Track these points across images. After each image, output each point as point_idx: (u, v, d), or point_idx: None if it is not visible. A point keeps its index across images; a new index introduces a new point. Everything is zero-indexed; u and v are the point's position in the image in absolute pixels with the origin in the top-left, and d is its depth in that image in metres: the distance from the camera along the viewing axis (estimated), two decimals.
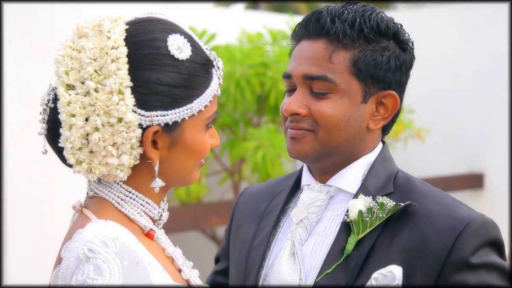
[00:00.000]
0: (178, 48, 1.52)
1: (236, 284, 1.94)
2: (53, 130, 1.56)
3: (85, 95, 1.49)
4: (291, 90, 1.87)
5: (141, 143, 1.51)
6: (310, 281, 1.79)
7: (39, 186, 3.57)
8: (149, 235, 1.58)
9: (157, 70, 1.50)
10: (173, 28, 1.56)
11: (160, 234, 1.61)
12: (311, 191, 1.87)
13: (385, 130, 1.91)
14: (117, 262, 1.41)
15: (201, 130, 1.58)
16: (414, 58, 1.89)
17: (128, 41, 1.51)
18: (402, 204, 1.76)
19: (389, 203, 1.77)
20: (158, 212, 1.62)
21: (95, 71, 1.48)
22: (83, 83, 1.49)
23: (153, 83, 1.49)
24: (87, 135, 1.50)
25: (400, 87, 1.86)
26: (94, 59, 1.49)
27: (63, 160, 1.57)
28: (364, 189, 1.83)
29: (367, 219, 1.76)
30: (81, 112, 1.48)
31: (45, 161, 2.88)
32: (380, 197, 1.79)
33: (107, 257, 1.41)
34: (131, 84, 1.48)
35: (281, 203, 1.95)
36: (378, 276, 1.71)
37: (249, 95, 5.34)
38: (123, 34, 1.51)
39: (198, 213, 5.31)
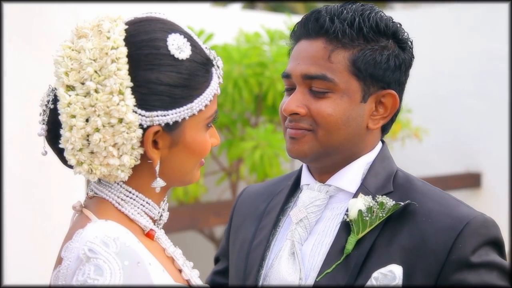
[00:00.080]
0: (178, 47, 1.52)
1: (236, 284, 1.94)
2: (53, 131, 1.55)
3: (85, 96, 1.48)
4: (290, 90, 1.87)
5: (142, 143, 1.51)
6: (310, 281, 1.78)
7: (38, 186, 3.56)
8: (149, 235, 1.58)
9: (157, 70, 1.50)
10: (173, 28, 1.55)
11: (160, 234, 1.61)
12: (311, 191, 1.87)
13: (385, 129, 1.91)
14: (118, 262, 1.41)
15: (201, 129, 1.58)
16: (414, 57, 1.89)
17: (128, 41, 1.51)
18: (402, 203, 1.76)
19: (389, 202, 1.77)
20: (158, 212, 1.62)
21: (95, 71, 1.48)
22: (83, 83, 1.49)
23: (153, 83, 1.49)
24: (88, 136, 1.49)
25: (399, 86, 1.86)
26: (94, 60, 1.48)
27: (64, 161, 1.57)
28: (363, 189, 1.83)
29: (367, 218, 1.76)
30: (82, 113, 1.48)
31: (43, 161, 2.87)
32: (380, 196, 1.79)
33: (108, 257, 1.40)
34: (131, 84, 1.48)
35: (281, 203, 1.95)
36: (378, 275, 1.71)
37: (246, 95, 5.34)
38: (122, 34, 1.50)
39: (196, 213, 5.31)
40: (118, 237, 1.44)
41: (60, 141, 1.52)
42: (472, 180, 7.56)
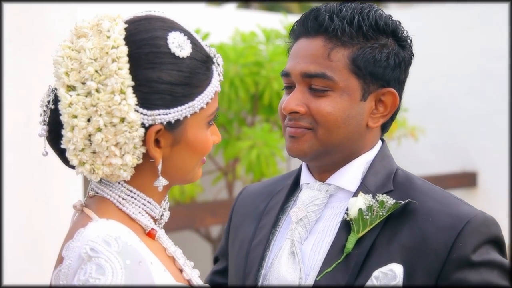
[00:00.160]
0: (179, 45, 1.51)
1: (236, 283, 1.93)
2: (54, 131, 1.55)
3: (86, 96, 1.48)
4: (290, 88, 1.86)
5: (144, 142, 1.51)
6: (310, 280, 1.78)
7: (36, 186, 3.56)
8: (150, 234, 1.57)
9: (158, 69, 1.49)
10: (173, 26, 1.55)
11: (161, 233, 1.60)
12: (310, 190, 1.87)
13: (384, 128, 1.90)
14: (120, 261, 1.40)
15: (203, 127, 1.57)
16: (413, 55, 1.89)
17: (128, 40, 1.50)
18: (402, 202, 1.75)
19: (389, 201, 1.76)
20: (160, 212, 1.61)
21: (96, 71, 1.47)
22: (84, 83, 1.48)
23: (154, 81, 1.49)
24: (90, 136, 1.49)
25: (399, 84, 1.85)
26: (95, 59, 1.48)
27: (65, 161, 1.56)
28: (363, 187, 1.82)
29: (367, 217, 1.76)
30: (83, 113, 1.47)
31: (42, 162, 2.86)
32: (380, 195, 1.78)
33: (110, 257, 1.40)
34: (132, 83, 1.47)
35: (280, 202, 1.94)
36: (378, 274, 1.70)
37: (243, 94, 5.34)
38: (122, 33, 1.50)
39: (192, 212, 5.30)
40: (120, 236, 1.43)
41: (61, 142, 1.52)
42: (468, 180, 7.56)
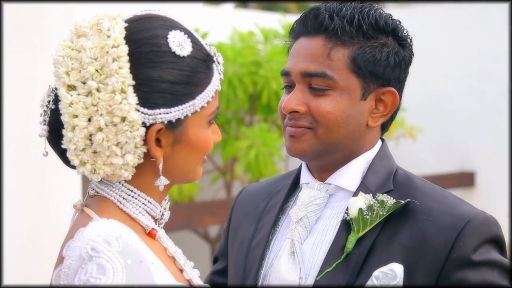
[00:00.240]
0: (179, 44, 1.51)
1: (235, 283, 1.93)
2: (55, 131, 1.54)
3: (87, 95, 1.47)
4: (289, 87, 1.86)
5: (145, 141, 1.50)
6: (310, 280, 1.77)
7: (36, 186, 3.55)
8: (151, 234, 1.57)
9: (159, 68, 1.49)
10: (173, 25, 1.54)
11: (161, 233, 1.60)
12: (310, 190, 1.86)
13: (384, 127, 1.90)
14: (121, 261, 1.40)
15: (204, 126, 1.57)
16: (413, 55, 1.89)
17: (129, 39, 1.49)
18: (403, 202, 1.75)
19: (390, 200, 1.76)
20: (160, 211, 1.61)
21: (96, 70, 1.47)
22: (84, 83, 1.48)
23: (155, 80, 1.48)
24: (90, 135, 1.48)
25: (399, 83, 1.85)
26: (95, 59, 1.47)
27: (66, 161, 1.56)
28: (363, 187, 1.82)
29: (367, 217, 1.75)
30: (84, 113, 1.47)
31: (40, 162, 2.85)
32: (381, 194, 1.78)
33: (111, 256, 1.39)
34: (133, 82, 1.47)
35: (280, 201, 1.94)
36: (379, 274, 1.70)
37: (241, 94, 5.33)
38: (123, 32, 1.49)
39: (190, 212, 5.29)
40: (121, 236, 1.42)
41: (62, 142, 1.51)
42: (466, 179, 7.56)
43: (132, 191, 1.55)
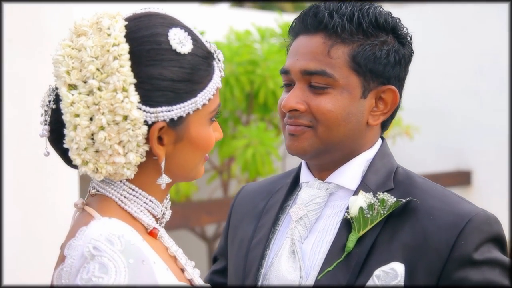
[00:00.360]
0: (180, 42, 1.50)
1: (235, 283, 1.92)
2: (56, 131, 1.53)
3: (88, 94, 1.46)
4: (289, 85, 1.85)
5: (147, 140, 1.49)
6: (311, 279, 1.77)
7: (35, 186, 3.54)
8: (152, 233, 1.56)
9: (160, 66, 1.48)
10: (173, 22, 1.54)
11: (162, 232, 1.59)
12: (310, 188, 1.85)
13: (384, 125, 1.90)
14: (123, 260, 1.39)
15: (205, 124, 1.56)
16: (413, 53, 1.88)
17: (129, 37, 1.49)
18: (404, 200, 1.74)
19: (390, 199, 1.75)
20: (161, 210, 1.60)
21: (97, 69, 1.46)
22: (85, 82, 1.47)
23: (156, 78, 1.47)
24: (92, 134, 1.47)
25: (399, 81, 1.84)
26: (96, 57, 1.46)
27: (68, 161, 1.55)
28: (364, 186, 1.81)
29: (368, 215, 1.75)
30: (85, 112, 1.46)
31: (40, 161, 2.84)
32: (381, 193, 1.77)
33: (113, 255, 1.38)
34: (134, 80, 1.46)
35: (280, 201, 1.93)
36: (380, 273, 1.69)
37: (238, 93, 5.33)
38: (123, 31, 1.49)
39: (188, 211, 5.29)
40: (123, 235, 1.42)
41: (64, 141, 1.50)
42: (462, 178, 7.58)
43: (133, 190, 1.54)
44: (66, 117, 1.47)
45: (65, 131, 1.49)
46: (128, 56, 1.46)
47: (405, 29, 1.86)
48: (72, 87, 1.47)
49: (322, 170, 1.86)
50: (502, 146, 7.23)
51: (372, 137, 1.86)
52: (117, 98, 1.44)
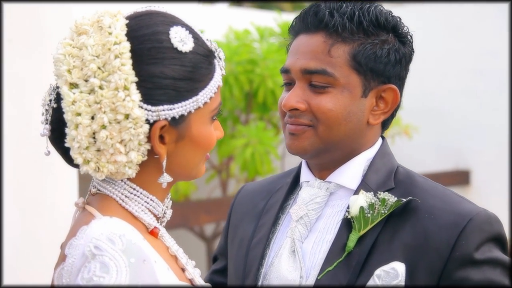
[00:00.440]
0: (181, 40, 1.50)
1: (235, 282, 1.91)
2: (57, 130, 1.53)
3: (89, 93, 1.46)
4: (289, 84, 1.84)
5: (149, 138, 1.49)
6: (311, 279, 1.76)
7: (34, 185, 3.54)
8: (153, 233, 1.56)
9: (161, 64, 1.47)
10: (174, 21, 1.53)
11: (163, 232, 1.58)
12: (311, 188, 1.85)
13: (385, 125, 1.89)
14: (124, 259, 1.39)
15: (206, 122, 1.56)
16: (414, 52, 1.88)
17: (130, 35, 1.48)
18: (404, 200, 1.74)
19: (391, 198, 1.75)
20: (162, 210, 1.60)
21: (99, 68, 1.46)
22: (86, 81, 1.46)
23: (158, 77, 1.47)
24: (94, 133, 1.47)
25: (400, 81, 1.84)
26: (97, 56, 1.46)
27: (69, 160, 1.54)
28: (364, 185, 1.81)
29: (369, 215, 1.74)
30: (87, 111, 1.46)
31: (39, 161, 2.84)
32: (382, 192, 1.77)
33: (114, 255, 1.38)
34: (136, 79, 1.46)
35: (280, 200, 1.93)
36: (380, 273, 1.69)
37: (237, 92, 5.33)
38: (124, 29, 1.48)
39: (186, 211, 5.29)
40: (124, 234, 1.41)
41: (65, 140, 1.50)
42: (461, 178, 7.58)
43: (134, 189, 1.54)
44: (67, 116, 1.47)
45: (66, 130, 1.48)
46: (129, 54, 1.46)
47: (405, 28, 1.86)
48: (73, 85, 1.47)
49: (323, 170, 1.86)
50: (501, 146, 7.24)
51: (372, 136, 1.85)
52: (118, 97, 1.43)
